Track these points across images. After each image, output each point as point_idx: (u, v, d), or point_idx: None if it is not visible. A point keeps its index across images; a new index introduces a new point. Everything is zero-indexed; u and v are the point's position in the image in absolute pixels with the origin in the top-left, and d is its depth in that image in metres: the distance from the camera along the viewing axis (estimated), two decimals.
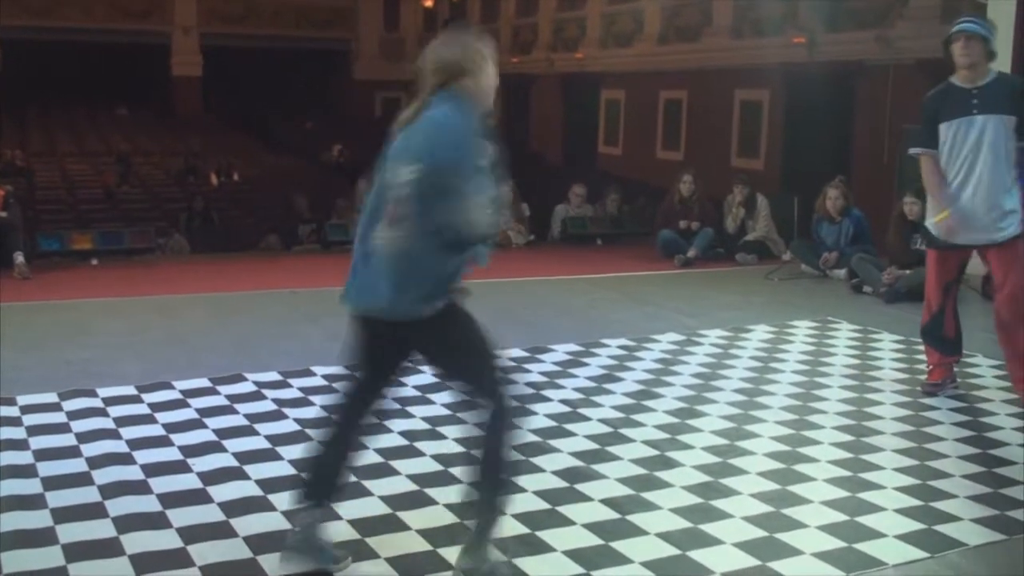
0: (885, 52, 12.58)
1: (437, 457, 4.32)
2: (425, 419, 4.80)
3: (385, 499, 3.85)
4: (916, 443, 4.62)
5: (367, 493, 3.89)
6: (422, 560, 3.38)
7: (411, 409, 4.92)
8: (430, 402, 5.04)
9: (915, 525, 3.73)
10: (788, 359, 6.10)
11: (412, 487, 3.99)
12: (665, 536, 3.59)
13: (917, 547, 3.55)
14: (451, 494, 3.86)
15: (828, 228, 9.27)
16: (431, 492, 3.94)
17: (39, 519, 3.63)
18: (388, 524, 3.65)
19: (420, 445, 4.47)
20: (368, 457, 3.99)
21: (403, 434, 4.57)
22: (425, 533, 3.57)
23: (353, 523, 3.63)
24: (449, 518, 3.70)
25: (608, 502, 3.87)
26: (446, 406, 4.89)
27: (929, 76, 12.17)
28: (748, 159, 15.18)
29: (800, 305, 7.91)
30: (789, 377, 5.70)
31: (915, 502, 3.94)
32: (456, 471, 4.10)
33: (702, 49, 16.29)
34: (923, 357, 6.00)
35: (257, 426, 4.69)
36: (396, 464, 4.22)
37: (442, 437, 4.58)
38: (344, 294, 3.28)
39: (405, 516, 3.71)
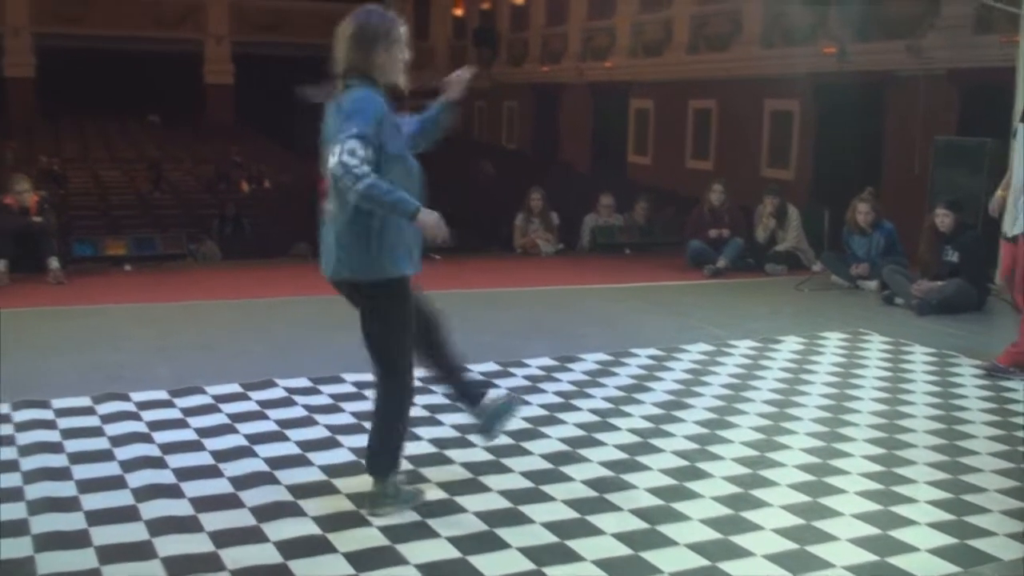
0: (916, 62, 12.50)
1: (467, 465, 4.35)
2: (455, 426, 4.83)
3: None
4: (949, 456, 4.59)
5: None
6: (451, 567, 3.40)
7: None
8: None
9: (948, 539, 3.70)
10: (819, 371, 6.06)
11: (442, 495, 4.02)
12: (695, 547, 3.58)
13: (950, 561, 3.52)
14: (478, 503, 3.88)
15: (859, 240, 9.21)
16: (460, 500, 3.96)
17: (74, 521, 3.68)
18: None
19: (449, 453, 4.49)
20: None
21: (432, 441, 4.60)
22: (454, 540, 3.59)
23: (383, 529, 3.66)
24: (479, 526, 3.71)
25: (638, 512, 3.87)
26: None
27: (960, 87, 12.20)
28: (778, 169, 15.12)
29: (830, 316, 7.86)
30: (820, 389, 5.67)
31: (948, 516, 3.91)
32: (486, 478, 4.13)
33: (732, 59, 16.25)
34: (955, 370, 6.03)
35: (288, 432, 4.72)
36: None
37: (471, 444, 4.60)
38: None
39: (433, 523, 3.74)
